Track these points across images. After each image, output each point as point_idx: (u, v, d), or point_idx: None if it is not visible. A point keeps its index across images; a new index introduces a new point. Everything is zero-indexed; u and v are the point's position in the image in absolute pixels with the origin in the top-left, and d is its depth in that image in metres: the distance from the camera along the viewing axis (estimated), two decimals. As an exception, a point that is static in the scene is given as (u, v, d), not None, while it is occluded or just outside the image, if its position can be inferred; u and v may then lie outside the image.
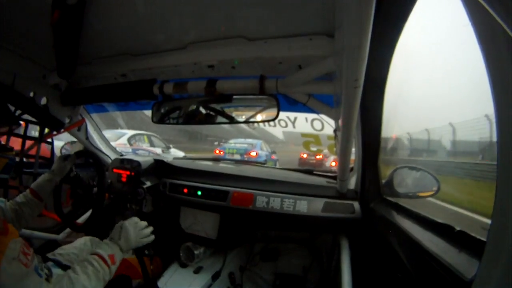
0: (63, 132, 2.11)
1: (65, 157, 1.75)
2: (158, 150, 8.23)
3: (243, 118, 1.69)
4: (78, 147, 2.48)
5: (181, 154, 8.97)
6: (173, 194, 2.03)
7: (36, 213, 1.60)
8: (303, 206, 1.75)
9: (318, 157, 12.02)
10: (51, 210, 1.82)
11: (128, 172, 2.06)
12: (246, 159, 9.08)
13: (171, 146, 9.39)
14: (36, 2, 1.26)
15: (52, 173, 1.69)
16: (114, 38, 1.53)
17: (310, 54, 1.27)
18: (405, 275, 1.13)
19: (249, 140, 11.10)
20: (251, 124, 1.73)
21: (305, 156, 12.28)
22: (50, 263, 1.17)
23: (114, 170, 2.12)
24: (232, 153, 9.80)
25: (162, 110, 1.76)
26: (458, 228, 0.96)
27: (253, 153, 9.75)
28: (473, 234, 0.87)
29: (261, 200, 1.80)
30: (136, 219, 1.45)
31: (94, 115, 2.43)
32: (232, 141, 11.40)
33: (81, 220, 2.17)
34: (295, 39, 1.28)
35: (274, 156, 10.98)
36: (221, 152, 10.00)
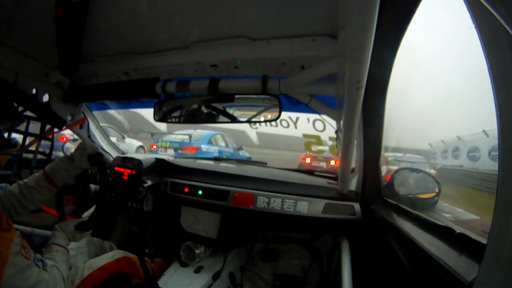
0: (65, 129, 2.12)
1: (84, 148, 1.67)
2: (114, 139, 7.63)
3: (245, 118, 1.69)
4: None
5: (136, 143, 8.78)
6: (174, 193, 2.03)
7: (47, 199, 1.57)
8: (303, 207, 1.75)
9: (332, 162, 8.31)
10: (51, 206, 1.82)
11: (129, 171, 2.06)
12: (181, 153, 7.76)
13: (125, 136, 8.91)
14: (40, 0, 1.26)
15: (72, 163, 1.62)
16: (117, 36, 1.54)
17: (313, 55, 1.28)
18: (405, 277, 1.13)
19: (193, 131, 8.69)
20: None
21: (308, 161, 8.91)
22: (38, 256, 1.24)
23: (116, 168, 2.12)
24: (165, 147, 8.32)
25: (164, 109, 1.76)
26: (458, 231, 0.96)
27: (192, 148, 7.96)
28: (473, 237, 0.87)
29: (262, 201, 1.80)
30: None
31: (96, 113, 2.43)
32: (177, 132, 9.08)
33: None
34: (298, 40, 1.28)
35: (241, 153, 9.22)
36: (154, 146, 8.56)
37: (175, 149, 8.08)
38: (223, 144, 8.87)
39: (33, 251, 1.15)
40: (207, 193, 1.92)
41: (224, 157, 7.27)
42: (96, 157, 1.67)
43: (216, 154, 7.92)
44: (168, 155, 6.42)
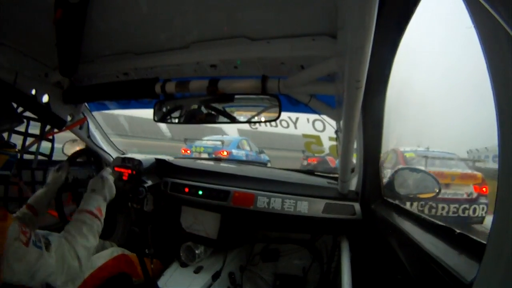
0: (65, 130, 2.12)
1: (58, 169, 1.73)
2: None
3: (244, 118, 1.69)
4: (80, 145, 2.48)
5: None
6: (174, 194, 2.03)
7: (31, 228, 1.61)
8: (304, 207, 1.75)
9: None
10: (52, 208, 1.83)
11: (129, 171, 2.06)
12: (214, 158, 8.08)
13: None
14: (39, 1, 1.26)
15: (47, 186, 1.67)
16: (117, 36, 1.54)
17: (313, 55, 1.27)
18: (405, 277, 1.13)
19: (224, 137, 9.45)
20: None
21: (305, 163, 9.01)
22: (45, 232, 1.22)
23: (116, 169, 2.12)
24: (199, 152, 8.73)
25: (164, 109, 1.76)
26: (458, 231, 0.96)
27: (224, 153, 8.40)
28: (473, 237, 0.87)
29: (262, 201, 1.80)
30: (109, 169, 1.62)
31: (96, 114, 2.43)
32: (206, 138, 9.73)
33: None
34: (297, 40, 1.28)
35: (262, 157, 9.67)
36: (188, 151, 8.89)
37: (209, 154, 8.49)
38: (248, 148, 9.42)
39: (34, 232, 1.13)
40: (207, 193, 1.92)
41: (250, 160, 8.32)
42: (85, 150, 1.71)
43: (244, 158, 8.63)
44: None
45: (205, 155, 8.32)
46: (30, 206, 1.60)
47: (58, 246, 1.16)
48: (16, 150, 1.48)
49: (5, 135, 1.64)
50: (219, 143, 8.86)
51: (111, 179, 1.57)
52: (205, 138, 9.55)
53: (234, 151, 8.74)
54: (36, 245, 1.08)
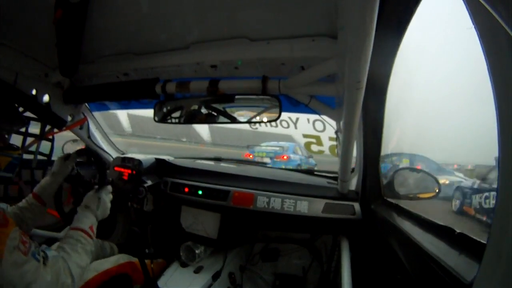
0: (65, 130, 2.12)
1: (65, 157, 1.72)
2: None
3: (245, 119, 1.69)
4: (80, 145, 2.48)
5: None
6: (174, 193, 2.03)
7: (39, 218, 1.59)
8: (303, 207, 1.75)
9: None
10: (52, 207, 1.83)
11: (129, 171, 2.06)
12: (277, 162, 8.84)
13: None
14: (39, 1, 1.26)
15: (53, 174, 1.66)
16: (117, 37, 1.54)
17: (313, 55, 1.27)
18: (405, 277, 1.13)
19: (281, 143, 10.19)
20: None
21: None
22: (44, 246, 1.22)
23: (116, 168, 2.12)
24: (262, 157, 9.35)
25: (164, 110, 1.76)
26: (458, 231, 0.96)
27: (285, 157, 9.23)
28: (473, 237, 0.87)
29: (262, 200, 1.80)
30: (109, 187, 1.58)
31: (96, 114, 2.43)
32: (264, 144, 10.56)
33: None
34: (298, 40, 1.28)
35: (310, 160, 10.13)
36: (251, 156, 9.49)
37: (271, 158, 9.11)
38: (300, 153, 9.93)
39: (36, 243, 1.12)
40: (207, 193, 1.93)
41: (303, 164, 9.06)
42: (85, 150, 1.70)
43: (298, 162, 9.32)
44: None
45: (267, 160, 8.96)
46: (37, 195, 1.59)
47: (55, 262, 1.14)
48: (19, 152, 1.48)
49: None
50: (278, 148, 9.63)
51: (108, 200, 1.53)
52: (263, 144, 10.46)
53: (292, 156, 9.44)
54: (35, 256, 1.07)
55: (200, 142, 14.53)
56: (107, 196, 1.54)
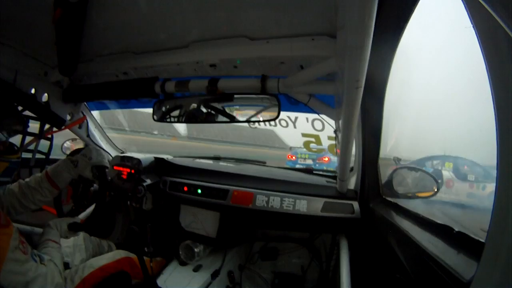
0: (64, 129, 2.12)
1: (85, 154, 1.76)
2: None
3: (244, 117, 1.69)
4: (79, 144, 2.48)
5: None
6: (173, 192, 2.03)
7: (48, 200, 1.64)
8: (302, 206, 1.75)
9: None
10: (51, 205, 1.83)
11: (128, 170, 2.06)
12: (318, 164, 8.96)
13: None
14: (39, 0, 1.26)
15: (76, 168, 1.69)
16: (116, 36, 1.53)
17: (312, 54, 1.28)
18: (403, 275, 1.13)
19: (321, 146, 10.57)
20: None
21: None
22: (35, 251, 1.27)
23: (115, 167, 2.12)
24: (305, 158, 9.45)
25: (163, 109, 1.76)
26: (457, 229, 0.96)
27: (326, 158, 9.20)
28: (472, 235, 0.87)
29: (261, 199, 1.80)
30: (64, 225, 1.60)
31: (95, 113, 2.43)
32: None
33: (81, 217, 2.17)
34: (297, 39, 1.28)
35: None
36: (293, 157, 9.67)
37: (313, 160, 9.23)
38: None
39: (30, 247, 1.18)
40: (206, 192, 1.93)
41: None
42: (101, 169, 1.72)
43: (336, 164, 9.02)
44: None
45: (309, 161, 9.22)
46: (51, 180, 1.61)
47: (48, 264, 1.22)
48: (18, 155, 1.47)
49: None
50: (316, 150, 9.52)
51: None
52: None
53: (333, 158, 9.33)
54: (32, 257, 1.14)
55: (173, 135, 13.68)
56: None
